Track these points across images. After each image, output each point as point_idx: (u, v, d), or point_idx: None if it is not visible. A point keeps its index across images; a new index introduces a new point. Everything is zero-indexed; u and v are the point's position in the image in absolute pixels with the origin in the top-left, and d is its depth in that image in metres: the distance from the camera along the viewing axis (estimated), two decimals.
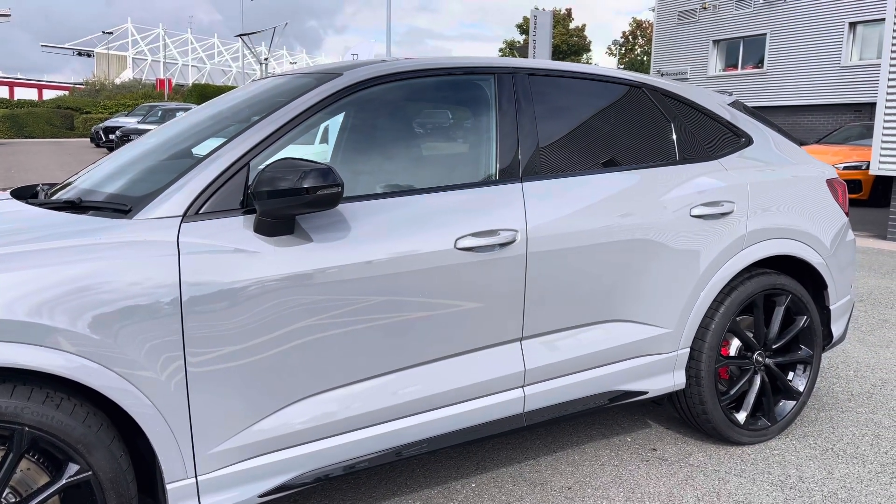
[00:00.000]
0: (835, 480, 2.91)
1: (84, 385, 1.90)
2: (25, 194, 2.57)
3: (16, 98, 59.25)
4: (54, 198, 2.43)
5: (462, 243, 2.39)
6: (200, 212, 2.12)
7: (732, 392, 3.12)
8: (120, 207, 2.13)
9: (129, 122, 22.90)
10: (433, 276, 2.35)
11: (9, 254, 1.88)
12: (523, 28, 54.30)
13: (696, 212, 2.91)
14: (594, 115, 2.95)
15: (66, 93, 65.40)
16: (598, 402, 2.81)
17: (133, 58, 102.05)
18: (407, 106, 2.70)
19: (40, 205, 2.28)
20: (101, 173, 2.59)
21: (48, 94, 77.05)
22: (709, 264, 2.94)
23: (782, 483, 2.88)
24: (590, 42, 55.75)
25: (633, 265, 2.77)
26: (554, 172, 2.68)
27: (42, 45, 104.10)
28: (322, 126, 3.03)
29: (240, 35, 26.84)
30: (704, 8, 23.11)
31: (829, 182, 3.40)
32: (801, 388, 3.32)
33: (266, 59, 27.56)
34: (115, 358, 1.91)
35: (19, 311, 1.80)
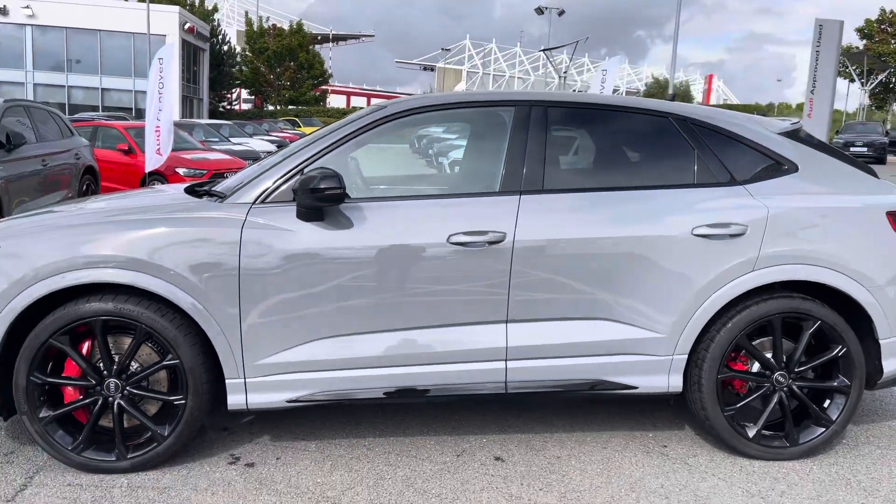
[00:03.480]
0: (807, 499, 2.97)
1: (177, 304, 3.02)
2: (195, 186, 3.82)
3: None
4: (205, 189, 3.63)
5: (454, 239, 3.08)
6: (266, 201, 3.13)
7: (738, 405, 3.29)
8: (221, 195, 3.24)
9: (436, 131, 25.80)
10: (425, 261, 3.09)
11: (147, 217, 3.09)
12: (864, 32, 48.55)
13: (698, 231, 3.18)
14: (607, 142, 3.38)
15: None
16: (586, 386, 3.25)
17: (468, 71, 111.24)
18: (434, 129, 3.43)
19: (189, 192, 3.51)
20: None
21: None
22: (709, 281, 3.18)
23: (759, 493, 3.03)
24: None
25: (620, 273, 3.17)
26: (554, 189, 3.21)
27: (396, 62, 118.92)
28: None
29: (543, 49, 28.55)
30: None
31: (894, 214, 3.32)
32: (833, 417, 3.33)
33: (565, 73, 28.93)
34: (197, 291, 3.00)
35: (143, 253, 2.97)
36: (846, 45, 46.39)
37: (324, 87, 58.20)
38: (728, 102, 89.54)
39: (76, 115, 19.64)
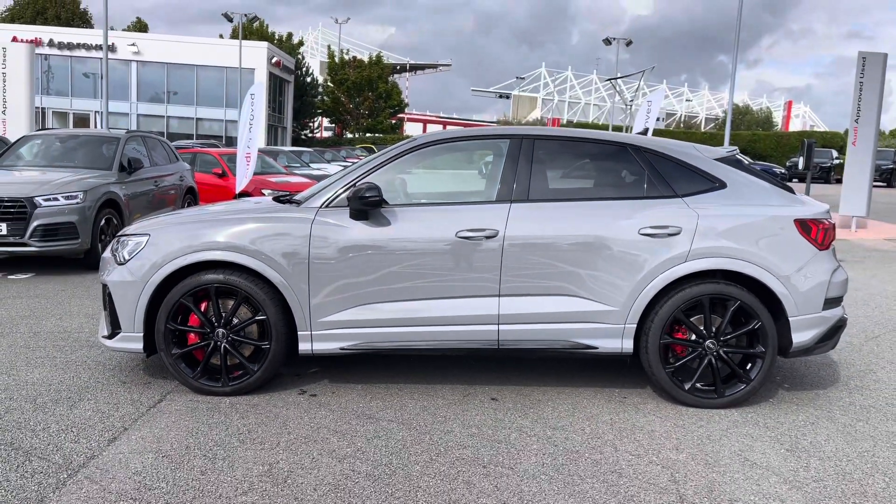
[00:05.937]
0: (718, 430, 3.99)
1: (266, 277, 4.32)
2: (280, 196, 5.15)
3: None
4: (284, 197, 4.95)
5: (460, 234, 4.28)
6: (329, 206, 4.42)
7: (677, 364, 4.33)
8: (297, 202, 4.55)
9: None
10: (439, 250, 4.29)
11: (247, 217, 4.42)
12: None
13: (644, 231, 4.27)
14: (578, 165, 4.52)
15: None
16: (559, 345, 4.36)
17: (543, 98, 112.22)
18: (449, 156, 4.66)
19: (277, 200, 4.83)
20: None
21: None
22: (652, 268, 4.26)
23: (683, 425, 4.07)
24: None
25: (584, 261, 4.28)
26: (536, 199, 4.37)
27: (472, 90, 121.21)
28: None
29: (610, 79, 29.50)
30: None
31: (801, 221, 4.32)
32: (753, 376, 4.33)
33: (632, 100, 29.76)
34: (281, 269, 4.29)
35: (245, 241, 4.30)
36: None
37: (401, 115, 60.41)
38: (814, 129, 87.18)
39: (176, 143, 21.86)
